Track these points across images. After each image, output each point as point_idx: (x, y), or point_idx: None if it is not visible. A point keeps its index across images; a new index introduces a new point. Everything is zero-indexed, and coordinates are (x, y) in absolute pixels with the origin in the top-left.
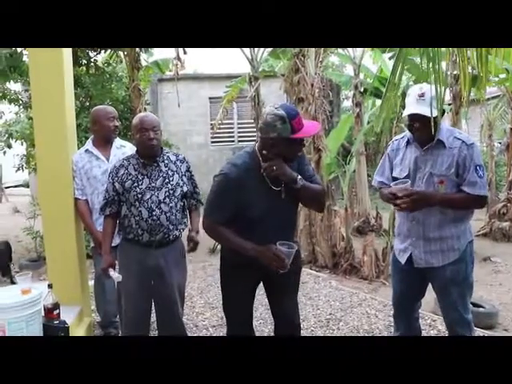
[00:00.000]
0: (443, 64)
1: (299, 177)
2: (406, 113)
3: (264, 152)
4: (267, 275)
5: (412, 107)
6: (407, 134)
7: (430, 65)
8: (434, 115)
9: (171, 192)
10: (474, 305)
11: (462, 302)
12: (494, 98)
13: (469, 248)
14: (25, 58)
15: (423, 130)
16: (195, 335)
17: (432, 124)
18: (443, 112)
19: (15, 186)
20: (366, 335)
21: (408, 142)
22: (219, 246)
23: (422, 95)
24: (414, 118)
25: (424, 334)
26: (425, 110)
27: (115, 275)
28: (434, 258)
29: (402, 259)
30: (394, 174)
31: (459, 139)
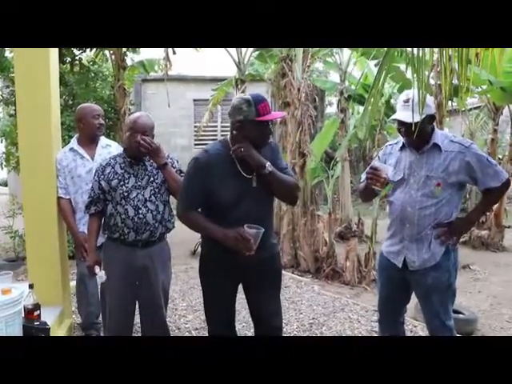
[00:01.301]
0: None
1: (268, 163)
2: (391, 118)
3: (234, 133)
4: (246, 275)
5: (397, 113)
6: (401, 138)
7: (415, 73)
8: (416, 120)
9: (157, 190)
10: (454, 311)
11: (444, 309)
12: (475, 108)
13: (453, 256)
14: (6, 54)
15: (410, 135)
16: (179, 335)
17: (416, 128)
18: (434, 117)
19: None
20: None
21: (403, 147)
22: (200, 249)
23: (406, 101)
24: (399, 123)
25: None
26: (408, 116)
27: (100, 274)
28: (427, 260)
29: (398, 262)
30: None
31: (456, 142)
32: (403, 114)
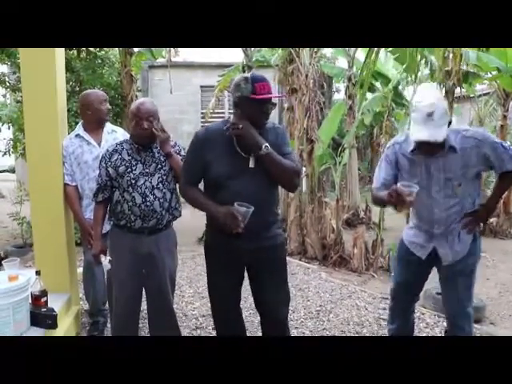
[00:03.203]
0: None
1: (266, 144)
2: (413, 137)
3: (233, 111)
4: (248, 263)
5: (420, 131)
6: (408, 136)
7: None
8: (442, 139)
9: (164, 178)
10: None
11: (468, 295)
12: (484, 94)
13: (478, 242)
14: None
15: (432, 149)
16: (187, 335)
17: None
18: (450, 122)
19: (0, 171)
20: (356, 327)
21: (415, 149)
22: None
23: (430, 114)
24: (420, 143)
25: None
26: (433, 134)
27: (105, 262)
28: (460, 251)
29: (422, 254)
30: (404, 182)
31: (469, 137)
32: (429, 133)
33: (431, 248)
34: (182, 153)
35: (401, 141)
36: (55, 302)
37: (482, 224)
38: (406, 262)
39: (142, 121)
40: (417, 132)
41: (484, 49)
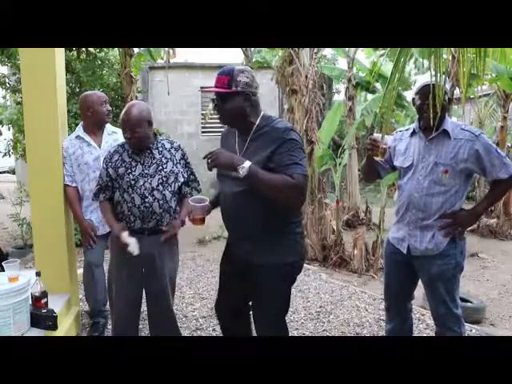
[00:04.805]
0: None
1: (244, 165)
2: (420, 83)
3: None
4: (246, 266)
5: (426, 80)
6: (412, 125)
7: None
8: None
9: (164, 179)
10: (462, 300)
11: (450, 297)
12: (484, 95)
13: (459, 244)
14: None
15: (432, 111)
16: (187, 335)
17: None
18: (450, 101)
19: (0, 173)
20: (357, 328)
21: (413, 133)
22: (207, 237)
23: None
24: (425, 92)
25: (413, 327)
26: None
27: (132, 240)
28: (430, 250)
29: (403, 248)
30: (397, 163)
31: (466, 130)
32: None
33: (408, 242)
34: (186, 157)
35: (403, 129)
36: (55, 303)
37: (460, 229)
38: (392, 260)
39: (126, 133)
40: (424, 81)
41: (489, 52)
